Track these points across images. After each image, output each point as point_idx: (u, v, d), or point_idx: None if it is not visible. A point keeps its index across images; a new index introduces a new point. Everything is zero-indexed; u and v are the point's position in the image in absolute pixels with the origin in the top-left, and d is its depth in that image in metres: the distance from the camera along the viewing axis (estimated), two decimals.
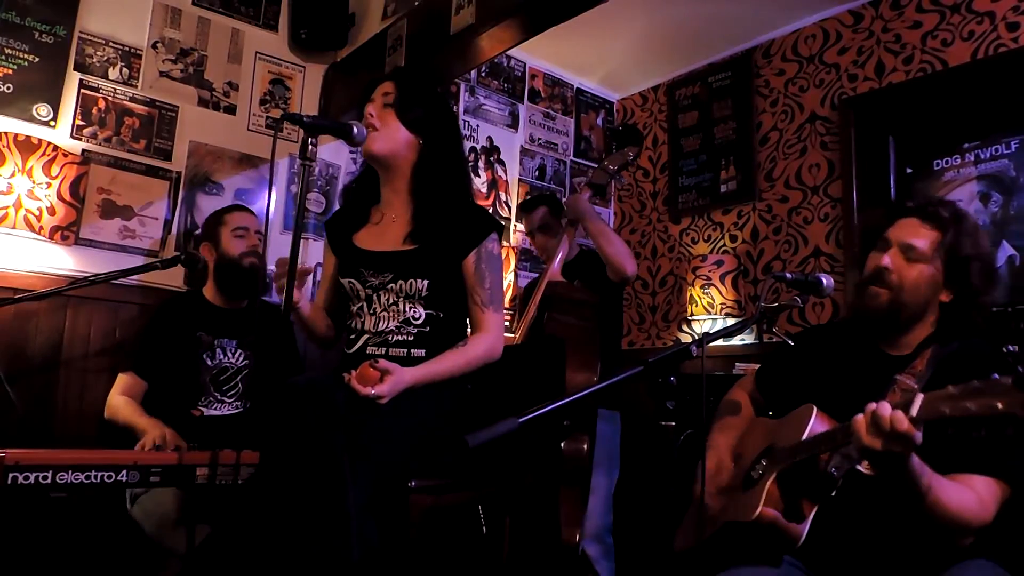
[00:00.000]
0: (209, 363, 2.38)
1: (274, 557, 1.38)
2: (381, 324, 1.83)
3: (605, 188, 2.85)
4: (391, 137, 1.86)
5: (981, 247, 1.54)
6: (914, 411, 1.12)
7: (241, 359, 2.44)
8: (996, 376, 1.06)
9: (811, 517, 1.34)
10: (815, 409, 1.42)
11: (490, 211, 3.82)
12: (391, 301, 1.84)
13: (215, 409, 2.37)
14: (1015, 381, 1.03)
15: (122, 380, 2.35)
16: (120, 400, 2.29)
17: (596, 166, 2.90)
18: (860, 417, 1.20)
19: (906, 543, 1.36)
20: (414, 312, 1.83)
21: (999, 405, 1.04)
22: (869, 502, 1.39)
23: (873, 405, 1.18)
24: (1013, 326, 2.48)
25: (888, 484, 1.27)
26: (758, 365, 3.09)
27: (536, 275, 3.46)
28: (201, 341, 2.39)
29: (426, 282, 1.83)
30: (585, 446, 2.30)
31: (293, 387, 1.51)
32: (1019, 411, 1.02)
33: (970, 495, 1.28)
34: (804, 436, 1.38)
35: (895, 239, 1.53)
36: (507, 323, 3.30)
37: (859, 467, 1.37)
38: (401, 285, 1.83)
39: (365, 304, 1.87)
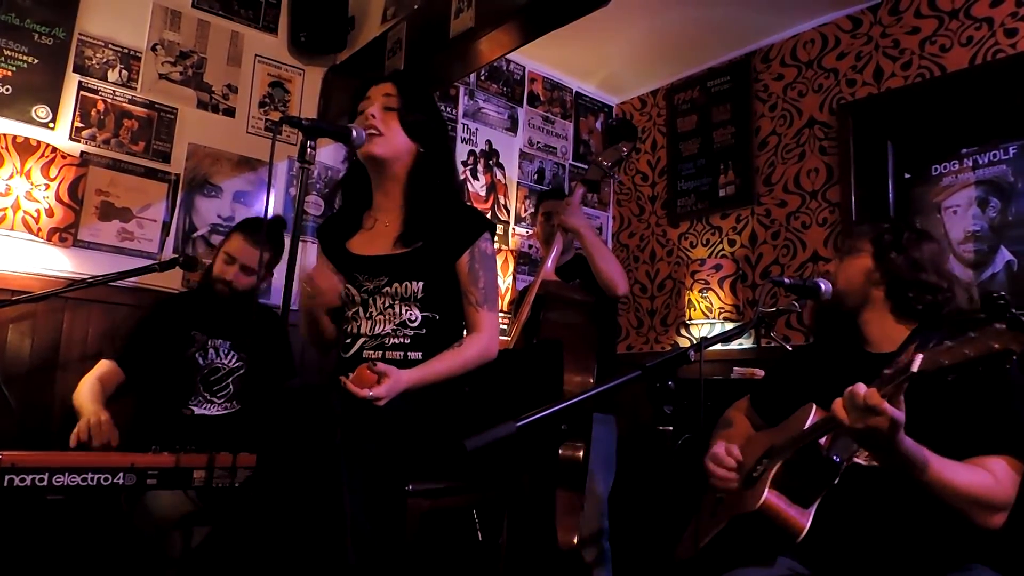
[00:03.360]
0: (201, 362, 2.39)
1: (271, 561, 1.38)
2: (377, 328, 1.83)
3: (599, 184, 2.83)
4: (393, 142, 1.85)
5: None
6: (915, 367, 1.16)
7: (234, 360, 2.44)
8: (991, 323, 1.11)
9: (813, 510, 1.35)
10: (815, 407, 1.44)
11: (488, 215, 3.83)
12: (387, 304, 1.84)
13: (205, 409, 2.37)
14: (1009, 324, 1.08)
15: (101, 365, 2.33)
16: (87, 383, 2.26)
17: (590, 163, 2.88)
18: (838, 399, 1.25)
19: (907, 544, 1.37)
20: (410, 315, 1.83)
21: (995, 345, 1.08)
22: (871, 501, 1.40)
23: (851, 387, 1.23)
24: None
25: (886, 467, 1.30)
26: (756, 369, 3.13)
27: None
28: (195, 340, 2.40)
29: (421, 284, 1.82)
30: (581, 451, 2.30)
31: (290, 391, 1.52)
32: (1015, 346, 1.07)
33: (981, 473, 1.31)
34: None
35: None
36: (504, 326, 3.30)
37: (857, 459, 1.39)
38: (396, 288, 1.83)
39: (361, 308, 1.86)
